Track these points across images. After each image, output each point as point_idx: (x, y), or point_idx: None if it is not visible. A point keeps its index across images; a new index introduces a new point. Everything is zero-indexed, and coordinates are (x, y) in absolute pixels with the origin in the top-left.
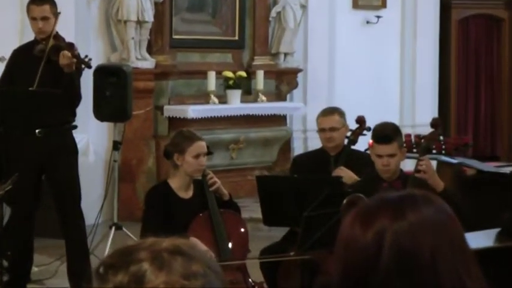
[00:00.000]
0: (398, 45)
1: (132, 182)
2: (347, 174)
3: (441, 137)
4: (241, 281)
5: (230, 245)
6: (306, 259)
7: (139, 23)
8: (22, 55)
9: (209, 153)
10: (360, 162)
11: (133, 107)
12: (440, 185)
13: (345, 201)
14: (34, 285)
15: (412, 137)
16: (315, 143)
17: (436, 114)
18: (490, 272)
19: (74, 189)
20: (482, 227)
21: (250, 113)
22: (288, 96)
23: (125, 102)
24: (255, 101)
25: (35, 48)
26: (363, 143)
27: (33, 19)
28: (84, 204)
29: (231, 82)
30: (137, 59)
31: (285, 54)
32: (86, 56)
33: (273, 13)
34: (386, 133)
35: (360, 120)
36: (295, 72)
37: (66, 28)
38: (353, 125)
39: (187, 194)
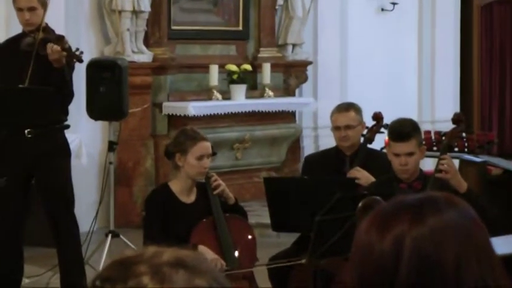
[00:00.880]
0: (416, 34)
1: (129, 185)
2: (363, 176)
3: (464, 134)
4: None
5: (236, 253)
6: (318, 267)
7: (135, 13)
8: (9, 49)
9: (213, 154)
10: (378, 162)
11: (130, 105)
12: (464, 185)
13: (360, 204)
14: None
15: (432, 134)
16: (326, 141)
17: (457, 109)
18: None
19: (66, 195)
20: (509, 231)
21: (256, 110)
22: (297, 91)
23: (120, 99)
24: (261, 96)
25: (22, 42)
26: (379, 142)
27: (19, 10)
28: (78, 210)
29: (235, 76)
30: (133, 52)
31: (293, 46)
32: (77, 49)
33: (280, 1)
34: (403, 130)
35: (377, 117)
36: (304, 64)
37: (55, 19)
38: (369, 122)
39: (190, 198)
